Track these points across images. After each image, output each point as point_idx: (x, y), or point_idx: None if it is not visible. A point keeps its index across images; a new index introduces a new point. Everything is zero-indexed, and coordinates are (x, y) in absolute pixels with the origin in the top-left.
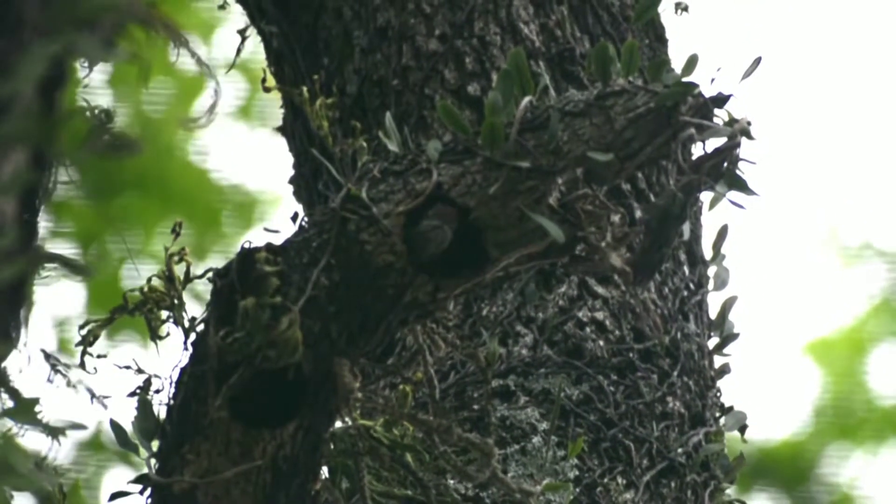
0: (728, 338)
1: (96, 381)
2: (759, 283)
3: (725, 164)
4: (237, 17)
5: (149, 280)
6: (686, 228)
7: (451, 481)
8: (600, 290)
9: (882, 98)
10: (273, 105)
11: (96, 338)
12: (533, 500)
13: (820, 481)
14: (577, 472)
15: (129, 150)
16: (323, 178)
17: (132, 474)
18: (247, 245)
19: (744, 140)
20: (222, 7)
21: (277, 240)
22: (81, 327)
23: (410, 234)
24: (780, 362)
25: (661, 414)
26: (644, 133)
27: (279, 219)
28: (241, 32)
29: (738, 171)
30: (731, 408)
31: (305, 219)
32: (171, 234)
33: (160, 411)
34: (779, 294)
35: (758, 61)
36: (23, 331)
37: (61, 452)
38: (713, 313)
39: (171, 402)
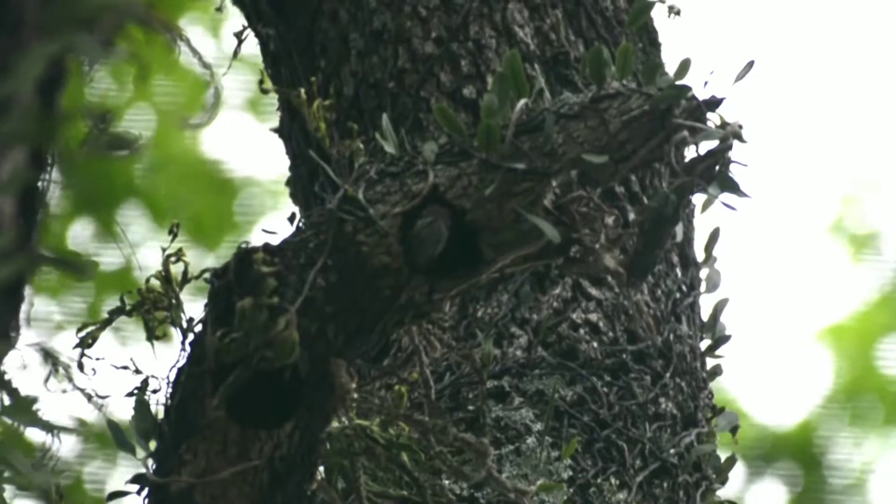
0: (720, 340)
1: (96, 381)
2: (772, 270)
3: (718, 167)
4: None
5: (147, 280)
6: (679, 231)
7: (447, 481)
8: (594, 292)
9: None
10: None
11: (95, 339)
12: (527, 500)
13: (832, 466)
14: (570, 473)
15: (128, 149)
16: (320, 180)
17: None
18: (244, 245)
19: (736, 143)
20: (219, 10)
21: (275, 240)
22: (79, 329)
23: (407, 238)
24: (792, 349)
25: (654, 415)
26: (638, 135)
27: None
28: (238, 35)
29: (730, 174)
30: (723, 409)
31: (302, 220)
32: (169, 234)
33: (158, 411)
34: (791, 281)
35: (750, 65)
36: (22, 330)
37: (65, 448)
38: (705, 315)
39: (169, 402)
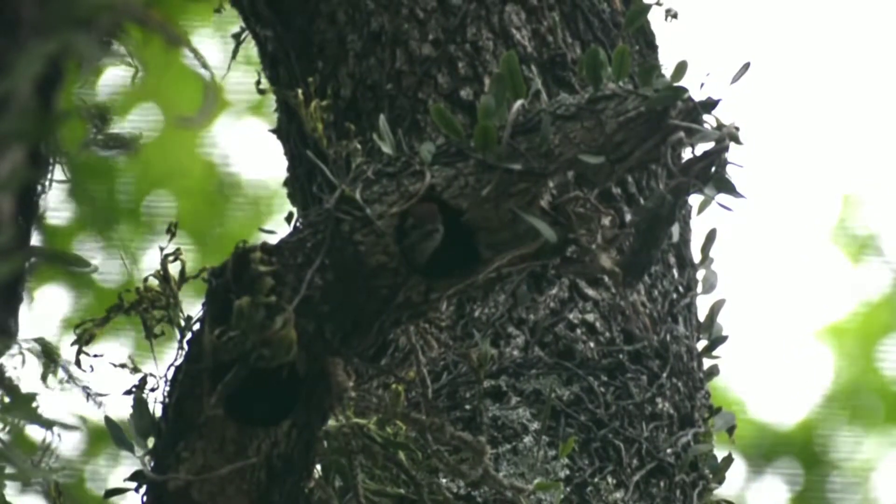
0: (716, 340)
1: (94, 379)
2: (773, 270)
3: (714, 168)
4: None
5: (145, 280)
6: (675, 231)
7: (444, 480)
8: (591, 292)
9: (882, 94)
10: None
11: (92, 337)
12: (524, 498)
13: (832, 465)
14: (567, 472)
15: (126, 149)
16: (317, 180)
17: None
18: (242, 245)
19: (732, 144)
20: (218, 11)
21: (272, 240)
22: (77, 327)
23: (403, 243)
24: (793, 348)
25: (651, 415)
26: (634, 136)
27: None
28: (237, 36)
29: (726, 175)
30: (719, 409)
31: (300, 219)
32: (167, 233)
33: (156, 409)
34: (792, 281)
35: (746, 66)
36: (20, 327)
37: (67, 445)
38: (702, 316)
39: (167, 400)
